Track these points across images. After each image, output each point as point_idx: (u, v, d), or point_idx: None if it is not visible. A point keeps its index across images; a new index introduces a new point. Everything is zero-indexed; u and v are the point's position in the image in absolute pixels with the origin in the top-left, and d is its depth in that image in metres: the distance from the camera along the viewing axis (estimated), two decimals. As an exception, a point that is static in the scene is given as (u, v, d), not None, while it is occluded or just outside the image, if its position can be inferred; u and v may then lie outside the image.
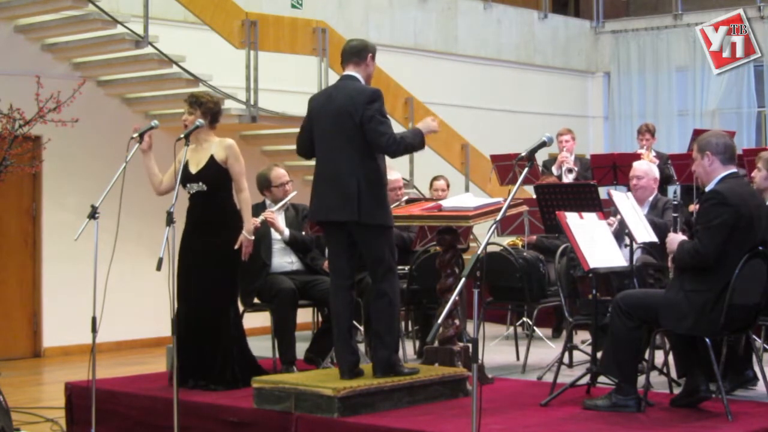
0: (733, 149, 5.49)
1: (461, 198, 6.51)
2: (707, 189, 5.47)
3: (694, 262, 5.31)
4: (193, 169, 6.24)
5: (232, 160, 6.32)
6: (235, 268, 6.41)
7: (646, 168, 7.45)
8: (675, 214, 5.70)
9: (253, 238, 6.38)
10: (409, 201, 7.89)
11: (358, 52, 5.74)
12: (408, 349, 7.77)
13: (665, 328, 5.50)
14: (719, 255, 5.24)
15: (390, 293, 5.71)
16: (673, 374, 5.98)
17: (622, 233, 6.76)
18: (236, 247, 6.27)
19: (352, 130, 5.58)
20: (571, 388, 5.83)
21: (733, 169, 5.47)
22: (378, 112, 5.58)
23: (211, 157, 6.30)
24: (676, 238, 5.45)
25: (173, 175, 6.37)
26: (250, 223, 6.39)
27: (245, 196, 6.37)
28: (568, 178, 10.18)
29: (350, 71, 5.74)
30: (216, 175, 6.30)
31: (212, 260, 6.26)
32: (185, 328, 6.10)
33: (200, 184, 6.27)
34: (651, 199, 7.36)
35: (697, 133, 10.09)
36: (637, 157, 9.94)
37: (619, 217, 6.55)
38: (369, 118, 5.55)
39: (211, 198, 6.29)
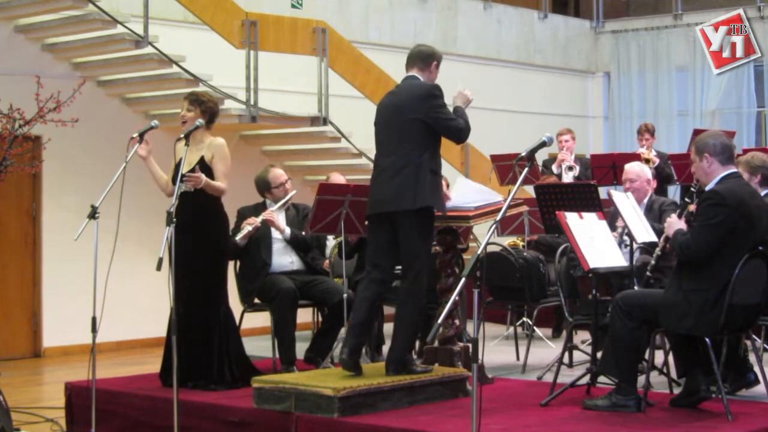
0: (731, 149, 5.50)
1: (461, 187, 6.48)
2: (707, 189, 5.47)
3: (683, 256, 5.35)
4: (184, 170, 6.19)
5: (216, 159, 6.29)
6: (220, 269, 6.40)
7: (638, 170, 7.41)
8: (687, 200, 5.76)
9: (202, 179, 6.15)
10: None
11: (424, 58, 5.94)
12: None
13: (665, 328, 5.51)
14: (710, 254, 5.26)
15: (416, 295, 5.79)
16: (673, 374, 5.98)
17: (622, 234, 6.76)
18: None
19: (410, 124, 5.72)
20: (571, 388, 5.83)
21: (733, 169, 5.48)
22: (439, 105, 5.76)
23: (201, 159, 6.28)
24: (674, 224, 5.50)
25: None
26: (208, 181, 6.17)
27: (221, 185, 6.24)
28: (568, 176, 10.19)
29: (412, 72, 5.92)
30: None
31: (197, 260, 6.24)
32: (179, 328, 6.08)
33: (187, 185, 6.24)
34: (646, 201, 7.33)
35: (697, 133, 10.09)
36: (637, 157, 9.94)
37: (622, 227, 6.54)
38: (434, 111, 5.72)
39: (197, 198, 6.26)
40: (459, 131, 5.81)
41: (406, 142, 5.72)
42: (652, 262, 5.95)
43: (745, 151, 8.96)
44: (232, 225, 6.78)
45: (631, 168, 7.46)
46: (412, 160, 5.68)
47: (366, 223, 6.25)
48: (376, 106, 6.03)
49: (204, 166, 6.28)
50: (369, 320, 5.92)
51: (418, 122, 5.71)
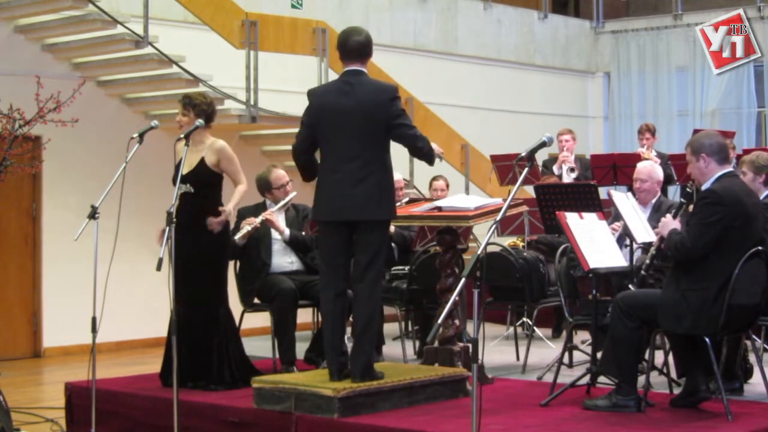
0: (726, 148, 5.53)
1: (457, 198, 6.51)
2: (703, 188, 5.48)
3: (678, 255, 5.34)
4: (184, 170, 6.19)
5: (225, 163, 6.31)
6: (221, 270, 6.41)
7: (650, 170, 7.35)
8: (683, 200, 5.76)
9: (231, 214, 6.34)
10: (410, 201, 7.90)
11: (363, 49, 5.65)
12: (408, 349, 7.78)
13: (665, 328, 5.51)
14: (705, 253, 5.26)
15: (378, 297, 5.72)
16: (673, 374, 5.98)
17: (623, 235, 6.75)
18: (213, 218, 6.26)
19: (376, 128, 5.53)
20: (571, 388, 5.83)
21: (729, 168, 5.50)
22: (402, 109, 5.63)
23: (202, 160, 6.28)
24: (669, 224, 5.49)
25: None
26: (235, 203, 6.36)
27: (241, 188, 6.35)
28: (569, 178, 10.19)
29: (356, 66, 5.65)
30: (204, 179, 6.28)
31: (197, 261, 6.25)
32: (179, 328, 6.08)
33: (188, 185, 6.24)
34: (654, 201, 7.31)
35: (697, 133, 10.09)
36: (637, 156, 9.94)
37: (622, 222, 6.53)
38: (397, 115, 5.56)
39: (197, 199, 6.28)
40: (418, 139, 5.60)
41: (368, 145, 5.52)
42: (647, 261, 5.95)
43: (746, 151, 8.98)
44: (232, 226, 6.78)
45: (643, 168, 7.36)
46: (378, 166, 5.54)
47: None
48: (319, 104, 5.64)
49: (204, 168, 6.29)
50: (343, 334, 5.74)
51: (382, 126, 5.53)
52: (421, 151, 5.68)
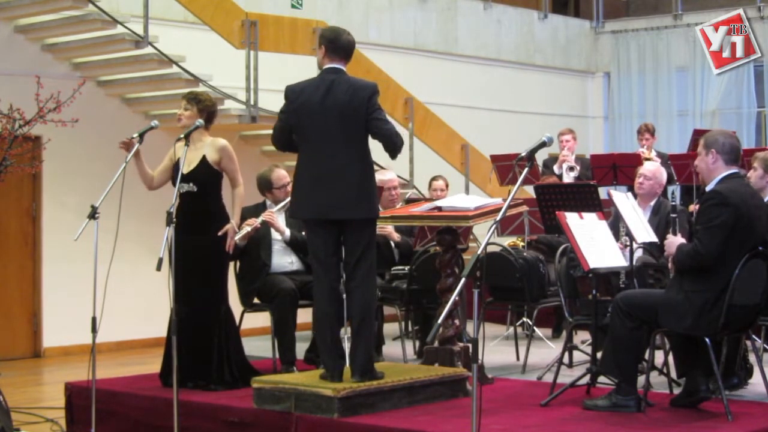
0: (738, 151, 5.50)
1: (457, 198, 6.51)
2: (707, 188, 5.47)
3: (695, 263, 5.31)
4: (185, 169, 6.19)
5: (226, 161, 6.32)
6: (222, 268, 6.41)
7: (655, 170, 7.38)
8: (673, 215, 5.70)
9: (237, 230, 6.40)
10: (410, 201, 7.89)
11: (351, 51, 5.68)
12: (408, 349, 7.78)
13: (665, 328, 5.51)
14: (719, 253, 5.24)
15: (372, 293, 5.70)
16: (673, 374, 5.98)
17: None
18: (219, 233, 6.28)
19: (356, 126, 5.52)
20: (571, 388, 5.84)
21: (735, 170, 5.48)
22: (380, 106, 5.60)
23: (203, 158, 6.29)
24: (674, 241, 5.45)
25: (164, 171, 6.43)
26: (238, 217, 6.41)
27: (240, 191, 6.38)
28: (569, 177, 10.19)
29: (338, 65, 5.63)
30: (207, 177, 6.29)
31: (198, 260, 6.25)
32: (180, 328, 6.08)
33: (191, 185, 6.25)
34: (653, 203, 7.31)
35: (697, 133, 10.10)
36: (637, 156, 9.95)
37: (625, 239, 6.54)
38: (377, 112, 5.54)
39: (199, 198, 6.29)
40: (397, 137, 5.60)
41: (349, 144, 5.52)
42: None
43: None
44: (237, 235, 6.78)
45: (649, 167, 7.45)
46: (362, 164, 5.54)
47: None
48: (298, 102, 5.58)
49: (206, 165, 6.29)
50: (339, 336, 5.71)
51: (362, 124, 5.52)
52: (395, 146, 5.62)
